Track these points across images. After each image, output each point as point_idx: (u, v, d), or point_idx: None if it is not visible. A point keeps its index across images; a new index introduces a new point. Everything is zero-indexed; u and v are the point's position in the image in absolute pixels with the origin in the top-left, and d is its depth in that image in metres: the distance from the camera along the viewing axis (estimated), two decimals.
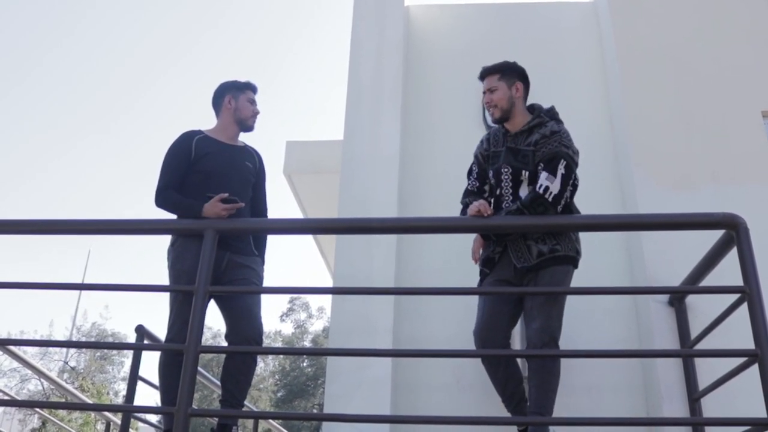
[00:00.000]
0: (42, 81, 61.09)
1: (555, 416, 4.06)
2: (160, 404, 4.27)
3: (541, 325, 4.00)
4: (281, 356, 39.64)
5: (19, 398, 16.88)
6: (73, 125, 62.74)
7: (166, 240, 4.43)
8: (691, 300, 4.70)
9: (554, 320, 4.01)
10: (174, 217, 4.30)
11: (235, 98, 4.69)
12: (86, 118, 63.23)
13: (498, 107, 4.39)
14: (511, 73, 4.44)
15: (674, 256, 4.86)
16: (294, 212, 8.76)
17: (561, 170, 3.99)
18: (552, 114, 4.31)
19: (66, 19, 63.83)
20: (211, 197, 4.16)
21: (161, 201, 4.39)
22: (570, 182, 4.01)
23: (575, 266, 4.17)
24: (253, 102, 4.74)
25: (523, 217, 4.00)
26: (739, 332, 3.67)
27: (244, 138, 4.82)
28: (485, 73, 4.52)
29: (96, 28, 63.72)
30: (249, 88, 4.76)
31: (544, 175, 4.00)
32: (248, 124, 4.72)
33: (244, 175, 4.63)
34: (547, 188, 3.95)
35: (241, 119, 4.68)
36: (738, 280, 3.37)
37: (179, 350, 3.58)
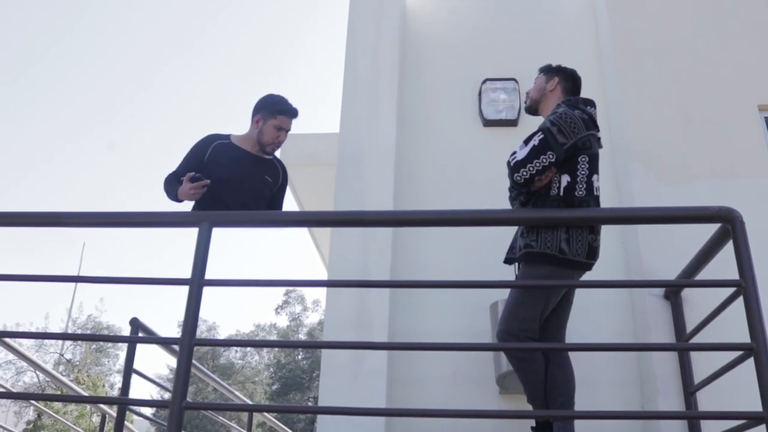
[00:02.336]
0: (42, 75, 60.99)
1: (550, 409, 4.05)
2: None
3: (502, 315, 4.06)
4: (276, 349, 39.69)
5: (14, 390, 16.86)
6: (73, 119, 62.61)
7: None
8: (687, 293, 4.70)
9: (512, 316, 3.96)
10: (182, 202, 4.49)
11: (264, 120, 4.70)
12: (86, 113, 63.13)
13: (529, 96, 4.60)
14: (556, 72, 4.53)
15: (670, 249, 4.86)
16: (290, 204, 8.80)
17: (534, 141, 3.97)
18: (571, 102, 4.28)
19: (66, 14, 63.68)
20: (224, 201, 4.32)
21: (164, 183, 4.66)
22: (540, 157, 3.92)
23: (558, 264, 3.96)
24: (280, 129, 4.70)
25: (515, 210, 4.01)
26: (734, 326, 3.66)
27: None
28: (538, 72, 4.66)
29: (97, 22, 63.60)
30: (283, 113, 4.73)
31: (520, 144, 4.05)
32: (266, 150, 4.75)
33: (256, 185, 4.69)
34: (514, 153, 4.01)
35: (262, 143, 4.71)
36: (734, 274, 3.37)
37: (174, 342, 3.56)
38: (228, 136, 4.73)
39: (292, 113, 4.77)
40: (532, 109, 4.57)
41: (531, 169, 3.91)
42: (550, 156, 3.94)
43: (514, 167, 3.94)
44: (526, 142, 4.01)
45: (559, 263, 3.96)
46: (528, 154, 3.94)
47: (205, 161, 4.57)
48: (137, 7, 65.91)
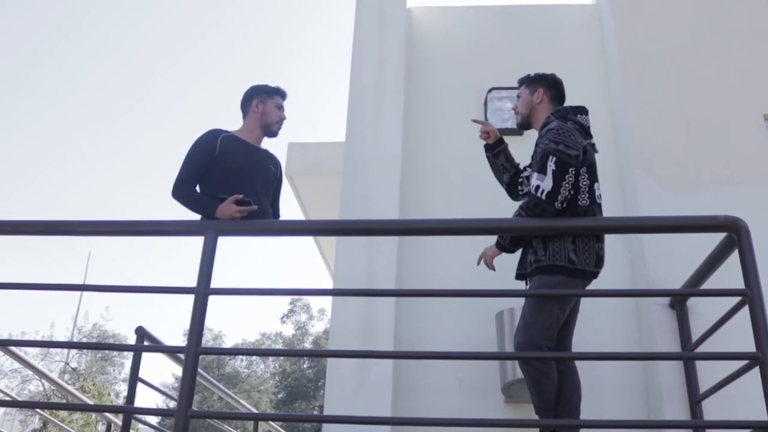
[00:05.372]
0: (44, 81, 61.15)
1: (557, 418, 4.04)
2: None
3: (518, 328, 4.06)
4: (282, 358, 39.67)
5: (20, 399, 16.86)
6: (75, 125, 62.76)
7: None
8: (693, 303, 4.69)
9: (531, 326, 3.95)
10: (185, 210, 4.37)
11: (263, 102, 4.71)
12: (88, 118, 63.28)
13: (519, 113, 4.55)
14: (538, 81, 4.50)
15: (676, 258, 4.86)
16: (295, 214, 8.89)
17: (551, 166, 3.91)
18: (561, 113, 4.27)
19: (68, 19, 63.91)
20: (223, 199, 4.20)
21: (177, 193, 4.44)
22: (566, 177, 3.90)
23: (569, 275, 3.97)
24: (280, 108, 4.75)
25: (520, 219, 3.97)
26: (740, 335, 3.66)
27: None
28: (518, 84, 4.63)
29: (98, 28, 63.78)
30: (278, 93, 4.77)
31: (534, 175, 3.97)
32: (273, 130, 4.74)
33: (268, 176, 4.68)
34: (538, 187, 3.89)
35: (267, 124, 4.71)
36: (739, 283, 3.36)
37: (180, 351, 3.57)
38: (227, 131, 4.71)
39: (284, 93, 4.82)
40: (524, 125, 4.56)
41: (564, 191, 3.88)
42: (572, 172, 3.93)
43: (549, 199, 3.86)
44: (541, 170, 3.95)
45: (571, 274, 3.96)
46: (554, 181, 3.88)
47: (217, 154, 4.52)
48: (136, 14, 66.08)
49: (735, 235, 3.46)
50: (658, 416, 4.58)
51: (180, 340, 36.55)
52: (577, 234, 3.98)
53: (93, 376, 30.52)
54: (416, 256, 5.51)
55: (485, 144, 4.57)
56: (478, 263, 4.33)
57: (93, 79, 63.01)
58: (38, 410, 10.20)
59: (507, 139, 5.90)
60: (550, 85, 4.47)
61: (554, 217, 3.90)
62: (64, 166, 63.04)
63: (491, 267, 4.29)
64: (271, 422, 8.12)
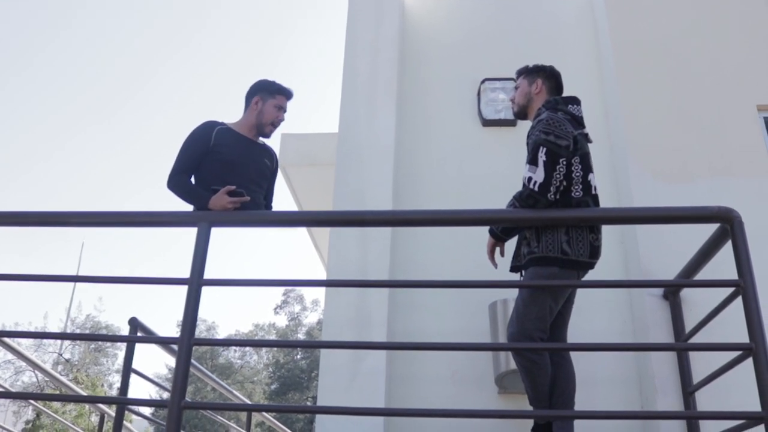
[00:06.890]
0: (41, 72, 60.93)
1: (550, 409, 4.05)
2: None
3: (511, 319, 4.06)
4: (275, 349, 39.66)
5: (13, 390, 16.85)
6: (71, 117, 62.61)
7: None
8: (686, 293, 4.70)
9: (524, 317, 3.95)
10: (180, 201, 4.36)
11: (263, 100, 4.68)
12: (84, 110, 63.11)
13: (515, 103, 4.55)
14: (537, 72, 4.50)
15: (669, 249, 4.86)
16: (289, 205, 8.88)
17: (542, 157, 3.91)
18: (551, 104, 4.27)
19: (65, 10, 63.66)
20: (216, 190, 4.19)
21: (173, 184, 4.45)
22: (557, 168, 3.89)
23: (563, 266, 3.97)
24: (280, 108, 4.70)
25: (513, 210, 3.96)
26: (733, 326, 3.67)
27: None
28: (516, 75, 4.62)
29: (95, 19, 63.55)
30: (281, 93, 4.73)
31: (526, 167, 3.96)
32: (265, 131, 4.70)
33: (261, 169, 4.66)
34: (530, 179, 3.88)
35: (261, 123, 4.67)
36: (732, 274, 3.37)
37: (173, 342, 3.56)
38: (223, 123, 4.70)
39: (289, 93, 4.77)
40: (521, 115, 4.55)
41: (555, 182, 3.88)
42: (563, 162, 3.92)
43: (541, 191, 3.85)
44: (532, 162, 3.94)
45: (564, 264, 3.96)
46: (546, 172, 3.87)
47: (211, 146, 4.52)
48: (133, 6, 65.84)
49: (728, 225, 3.47)
50: (652, 407, 4.59)
51: (173, 331, 36.55)
52: (571, 225, 3.98)
53: (86, 367, 30.54)
54: (409, 247, 5.51)
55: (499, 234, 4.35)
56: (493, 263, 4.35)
57: (88, 71, 62.85)
58: (31, 401, 10.17)
59: (501, 129, 5.96)
60: (548, 76, 4.47)
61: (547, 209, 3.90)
62: (59, 159, 62.93)
63: (492, 258, 4.31)
64: (264, 413, 8.12)
